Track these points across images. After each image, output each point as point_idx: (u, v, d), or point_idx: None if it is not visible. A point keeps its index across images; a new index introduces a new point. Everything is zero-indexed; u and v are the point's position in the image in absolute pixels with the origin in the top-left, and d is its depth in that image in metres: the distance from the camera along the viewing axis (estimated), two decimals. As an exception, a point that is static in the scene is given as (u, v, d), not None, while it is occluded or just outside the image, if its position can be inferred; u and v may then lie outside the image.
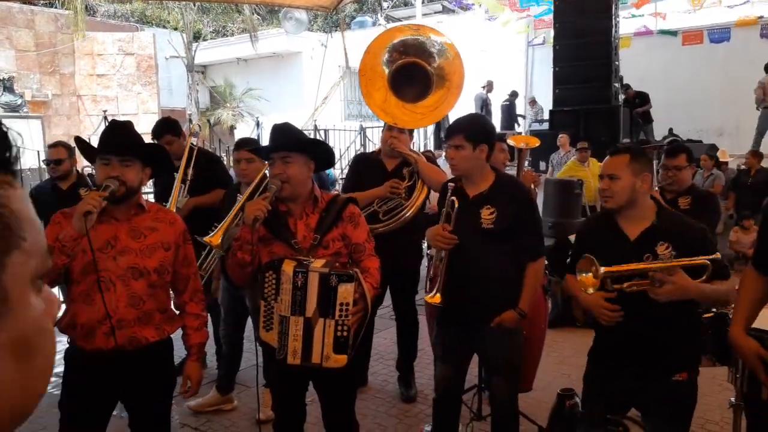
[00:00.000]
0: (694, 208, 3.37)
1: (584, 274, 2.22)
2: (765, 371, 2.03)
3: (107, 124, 2.34)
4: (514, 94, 15.12)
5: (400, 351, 4.13)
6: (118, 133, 2.23)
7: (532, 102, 15.10)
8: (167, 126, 4.19)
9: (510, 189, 2.73)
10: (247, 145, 3.43)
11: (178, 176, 3.94)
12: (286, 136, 2.42)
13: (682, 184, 3.53)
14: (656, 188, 3.64)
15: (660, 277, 2.11)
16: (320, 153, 2.49)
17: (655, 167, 3.52)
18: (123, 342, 2.15)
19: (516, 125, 14.87)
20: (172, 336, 2.35)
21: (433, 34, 3.54)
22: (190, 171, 3.96)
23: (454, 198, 2.67)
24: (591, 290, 2.20)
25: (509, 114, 14.82)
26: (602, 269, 2.13)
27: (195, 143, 4.15)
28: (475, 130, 2.68)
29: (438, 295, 2.74)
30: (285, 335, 2.28)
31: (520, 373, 2.86)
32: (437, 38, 3.51)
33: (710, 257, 2.17)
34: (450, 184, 2.71)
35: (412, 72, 3.45)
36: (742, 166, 9.02)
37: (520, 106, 15.57)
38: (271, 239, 2.40)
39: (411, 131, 3.74)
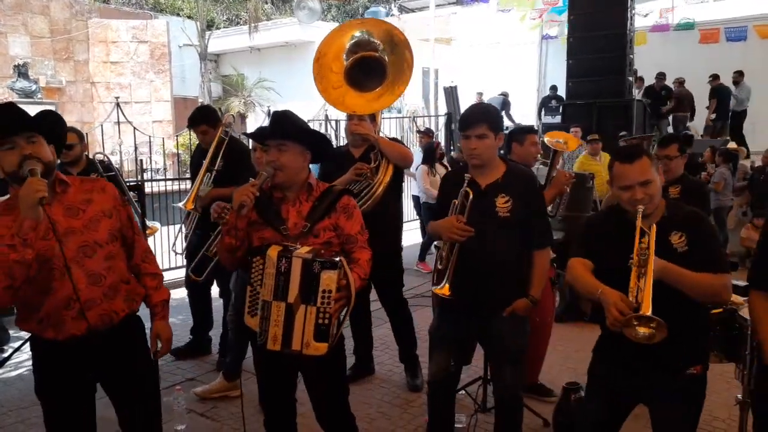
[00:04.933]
0: (683, 197, 3.50)
1: None
2: None
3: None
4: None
5: (399, 344, 4.13)
6: (11, 111, 2.05)
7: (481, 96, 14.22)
8: (204, 116, 4.23)
9: (521, 178, 2.76)
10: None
11: (204, 164, 3.95)
12: (282, 124, 2.41)
13: (673, 174, 3.65)
14: None
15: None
16: (315, 143, 2.47)
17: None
18: (96, 321, 2.10)
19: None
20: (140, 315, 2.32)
21: (370, 29, 3.70)
22: (219, 161, 3.99)
23: (468, 189, 2.68)
24: None
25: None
26: None
27: (227, 134, 4.14)
28: (495, 119, 2.75)
29: (447, 285, 2.74)
30: (266, 320, 2.26)
31: (525, 362, 2.87)
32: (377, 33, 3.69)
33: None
34: (467, 174, 2.71)
35: (367, 65, 3.64)
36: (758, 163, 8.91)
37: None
38: (262, 225, 2.39)
39: (373, 117, 3.82)
